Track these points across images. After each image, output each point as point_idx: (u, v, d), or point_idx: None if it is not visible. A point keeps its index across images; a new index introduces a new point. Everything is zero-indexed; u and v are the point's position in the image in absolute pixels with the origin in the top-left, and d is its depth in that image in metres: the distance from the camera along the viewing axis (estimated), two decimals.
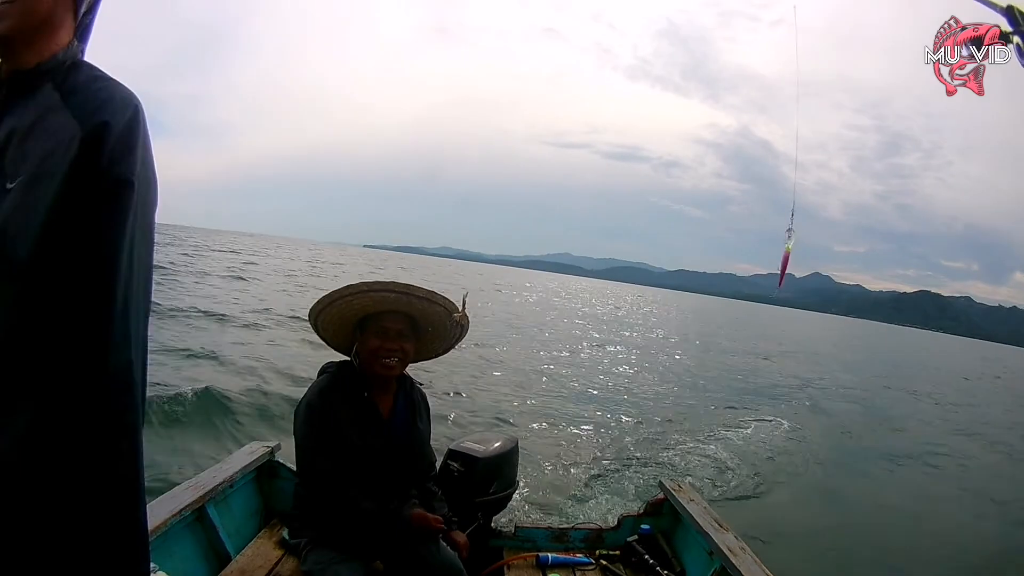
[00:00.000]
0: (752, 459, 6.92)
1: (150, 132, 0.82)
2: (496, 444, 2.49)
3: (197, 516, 2.10)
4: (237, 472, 2.32)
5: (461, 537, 2.02)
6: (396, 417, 1.91)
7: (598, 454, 6.35)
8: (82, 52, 0.89)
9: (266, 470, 2.53)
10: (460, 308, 1.90)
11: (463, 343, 2.07)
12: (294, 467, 2.28)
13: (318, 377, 1.92)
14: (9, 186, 0.75)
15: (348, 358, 1.95)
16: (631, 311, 43.71)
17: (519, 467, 2.67)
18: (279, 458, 2.57)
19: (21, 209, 0.73)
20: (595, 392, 9.86)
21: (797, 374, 16.70)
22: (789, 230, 2.30)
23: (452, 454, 2.40)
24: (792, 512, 5.57)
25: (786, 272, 2.31)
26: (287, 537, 2.13)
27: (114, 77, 0.85)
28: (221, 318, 11.06)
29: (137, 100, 0.82)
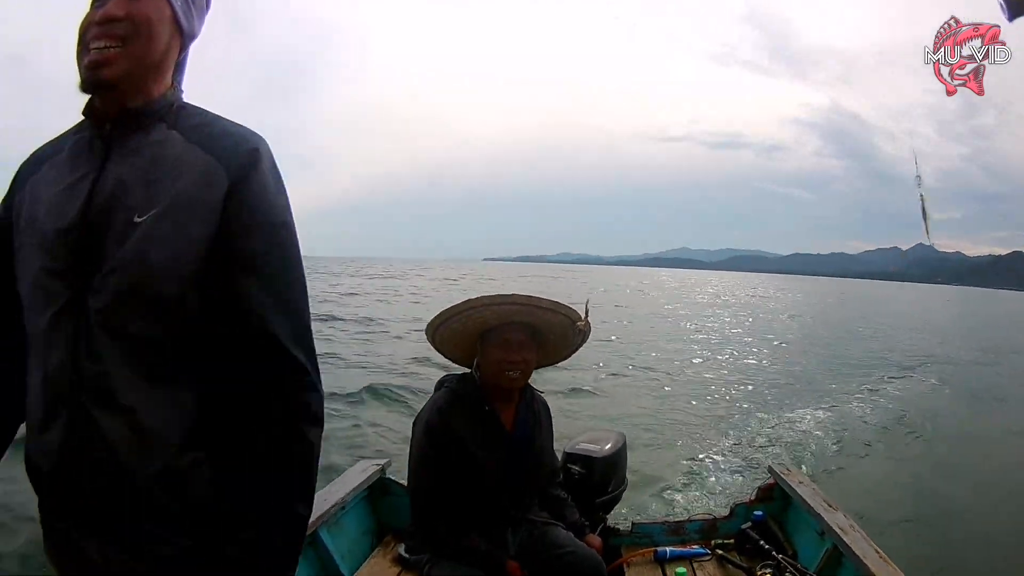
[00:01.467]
0: (861, 436, 6.83)
1: None
2: (609, 442, 2.48)
3: (310, 541, 2.07)
4: (349, 493, 2.30)
5: (596, 540, 2.01)
6: (519, 428, 1.90)
7: (708, 442, 6.31)
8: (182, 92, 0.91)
9: (378, 488, 2.51)
10: (583, 316, 1.89)
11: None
12: (405, 483, 2.25)
13: (436, 391, 1.91)
14: (138, 219, 0.77)
15: (467, 370, 1.94)
16: (741, 300, 42.82)
17: (628, 462, 2.67)
18: (390, 475, 2.56)
19: (160, 240, 0.77)
20: (697, 383, 9.79)
21: (893, 347, 16.17)
22: (917, 177, 2.13)
23: (570, 457, 2.38)
24: (900, 489, 5.46)
25: (927, 220, 2.14)
26: (404, 553, 2.09)
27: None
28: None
29: (260, 136, 0.86)
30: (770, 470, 2.83)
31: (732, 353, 13.85)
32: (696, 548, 2.46)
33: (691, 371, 11.22)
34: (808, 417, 7.49)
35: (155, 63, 0.84)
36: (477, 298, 1.81)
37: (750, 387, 9.69)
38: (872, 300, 53.55)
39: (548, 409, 2.04)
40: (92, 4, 0.83)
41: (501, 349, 1.82)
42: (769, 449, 6.15)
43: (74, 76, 0.82)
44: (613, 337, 14.06)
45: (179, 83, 0.90)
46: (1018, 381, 12.66)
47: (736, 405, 8.26)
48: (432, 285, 35.96)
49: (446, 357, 1.98)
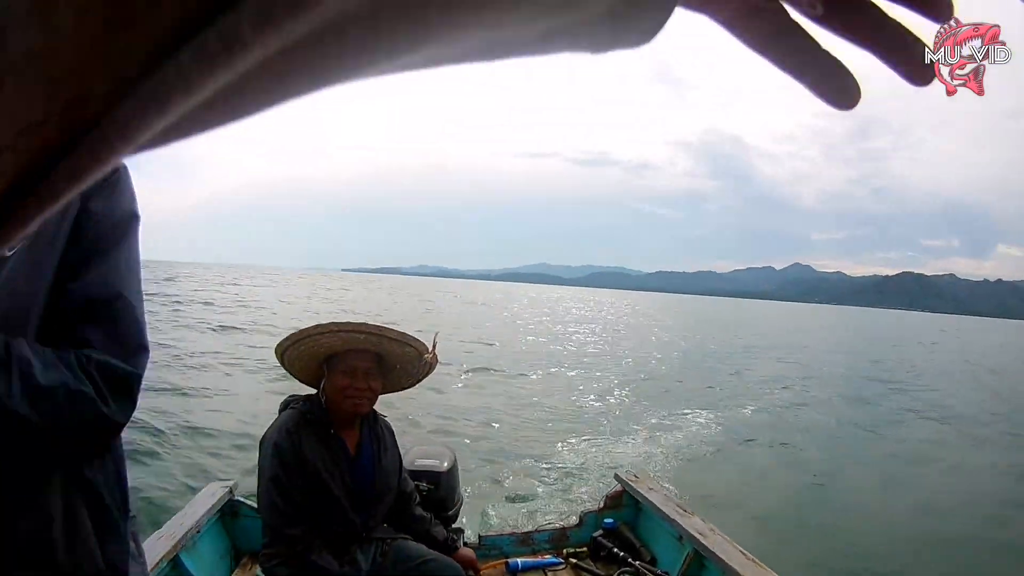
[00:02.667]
0: (713, 446, 7.13)
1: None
2: (445, 456, 2.48)
3: (173, 566, 2.09)
4: (203, 516, 2.30)
5: (469, 552, 2.06)
6: (363, 452, 1.92)
7: (549, 452, 6.31)
8: None
9: (228, 510, 2.51)
10: (431, 348, 1.90)
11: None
12: (254, 503, 2.29)
13: (282, 411, 1.90)
14: (9, 252, 0.73)
15: (314, 391, 1.94)
16: (594, 316, 43.45)
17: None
18: (239, 496, 2.55)
19: (22, 273, 0.73)
20: (533, 394, 9.79)
21: (747, 365, 16.64)
22: None
23: (414, 474, 2.37)
24: (754, 495, 5.72)
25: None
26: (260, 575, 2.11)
27: None
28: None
29: None
30: (616, 477, 2.84)
31: (572, 366, 13.94)
32: (549, 558, 2.49)
33: (529, 381, 11.24)
34: (653, 429, 7.65)
35: None
36: (327, 323, 1.80)
37: (590, 400, 9.68)
38: (736, 320, 53.45)
39: (392, 432, 2.06)
40: None
41: (346, 376, 1.83)
42: (616, 458, 6.18)
43: None
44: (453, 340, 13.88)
45: None
46: (886, 387, 14.15)
47: (577, 416, 8.27)
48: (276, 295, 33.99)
49: (294, 377, 1.96)
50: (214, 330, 14.88)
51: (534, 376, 11.96)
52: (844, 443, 8.19)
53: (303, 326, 1.83)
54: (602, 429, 7.54)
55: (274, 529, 1.78)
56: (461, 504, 2.50)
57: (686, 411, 9.04)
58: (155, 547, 2.03)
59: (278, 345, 1.87)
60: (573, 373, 12.85)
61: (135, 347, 0.80)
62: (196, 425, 6.22)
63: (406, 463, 2.37)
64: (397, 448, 2.05)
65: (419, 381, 2.02)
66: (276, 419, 1.88)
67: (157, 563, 1.95)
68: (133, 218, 0.84)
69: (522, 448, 6.46)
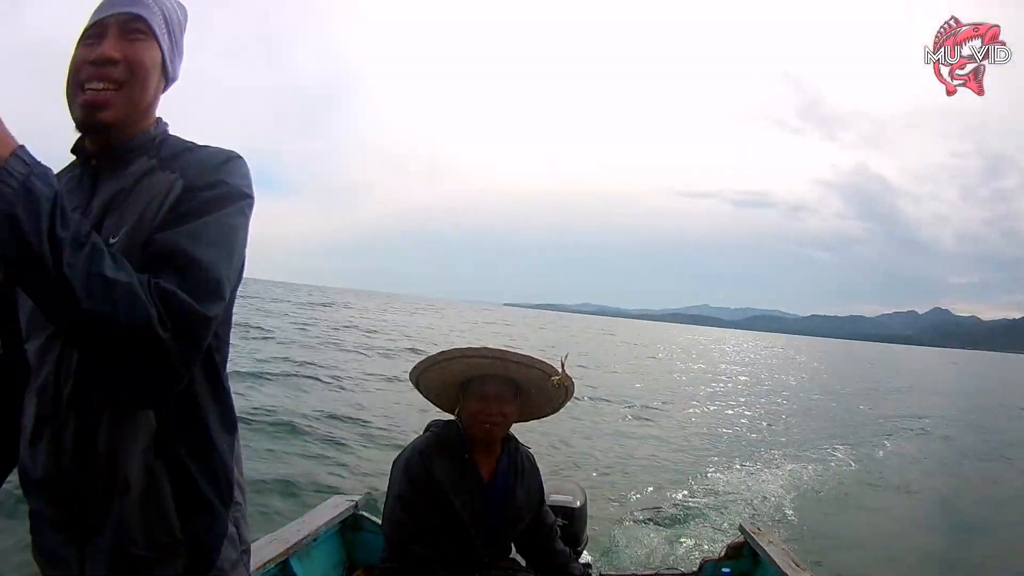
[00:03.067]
0: (837, 493, 6.76)
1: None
2: (577, 493, 2.49)
3: (281, 569, 2.12)
4: (321, 526, 2.36)
5: None
6: (498, 479, 1.91)
7: (679, 493, 6.20)
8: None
9: (350, 523, 2.56)
10: (560, 370, 1.87)
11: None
12: (378, 519, 2.32)
13: (423, 434, 1.95)
14: (112, 240, 0.80)
15: (454, 417, 1.97)
16: (753, 359, 41.77)
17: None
18: (363, 511, 2.60)
19: (134, 255, 0.77)
20: (683, 433, 9.64)
21: (893, 411, 15.80)
22: None
23: (551, 509, 2.35)
24: (886, 544, 5.43)
25: None
26: None
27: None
28: None
29: (236, 153, 0.89)
30: (741, 529, 2.88)
31: (725, 407, 13.71)
32: None
33: (678, 421, 11.13)
34: (789, 474, 7.44)
35: (146, 106, 0.89)
36: (451, 349, 1.86)
37: (733, 440, 9.57)
38: (880, 363, 54.37)
39: (533, 462, 2.03)
40: (83, 40, 0.86)
41: (479, 401, 1.85)
42: (742, 504, 6.06)
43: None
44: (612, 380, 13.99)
45: (161, 119, 0.94)
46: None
47: (714, 459, 8.07)
48: (466, 327, 35.94)
49: (432, 403, 2.01)
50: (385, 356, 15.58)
51: (673, 414, 11.81)
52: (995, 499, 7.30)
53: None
54: (737, 471, 7.36)
55: (396, 545, 1.81)
56: (587, 543, 2.51)
57: (833, 457, 8.66)
58: (264, 549, 2.07)
59: (411, 372, 1.93)
60: (713, 409, 12.72)
61: (208, 293, 0.77)
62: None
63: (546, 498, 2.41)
64: (538, 479, 2.02)
65: (559, 408, 2.01)
66: (413, 440, 1.94)
67: (264, 564, 1.99)
68: (239, 196, 0.85)
69: (647, 486, 6.40)
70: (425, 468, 1.80)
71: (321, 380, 10.57)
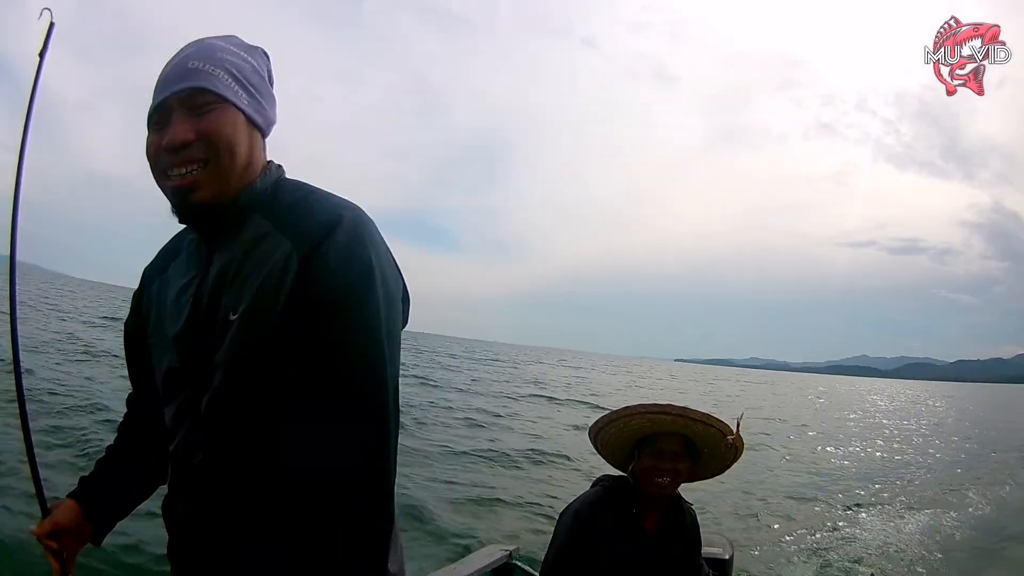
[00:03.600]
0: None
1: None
2: (726, 546, 2.50)
3: None
4: (475, 571, 2.39)
5: None
6: (661, 536, 1.92)
7: (812, 541, 6.04)
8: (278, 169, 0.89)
9: (504, 572, 2.58)
10: (735, 430, 1.89)
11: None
12: (533, 571, 2.40)
13: (591, 488, 1.97)
14: (233, 317, 0.78)
15: (623, 474, 1.99)
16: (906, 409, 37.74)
17: None
18: (517, 560, 2.61)
19: (248, 336, 0.76)
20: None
21: None
22: None
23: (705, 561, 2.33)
24: None
25: None
26: None
27: (323, 188, 0.85)
28: None
29: (351, 206, 0.80)
30: None
31: (883, 457, 13.06)
32: None
33: (826, 469, 10.76)
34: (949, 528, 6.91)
35: (242, 168, 0.82)
36: (634, 405, 1.88)
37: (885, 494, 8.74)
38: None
39: (695, 519, 2.04)
40: (151, 126, 0.81)
41: (654, 457, 1.86)
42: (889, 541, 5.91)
43: None
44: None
45: (272, 163, 0.88)
46: None
47: (856, 506, 7.80)
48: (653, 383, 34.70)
49: (605, 460, 2.04)
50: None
51: (820, 465, 11.31)
52: None
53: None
54: (876, 518, 7.17)
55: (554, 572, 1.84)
56: None
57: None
58: None
59: (591, 427, 1.96)
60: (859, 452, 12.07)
61: (373, 450, 0.74)
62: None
63: None
64: (697, 534, 2.04)
65: (728, 467, 2.00)
66: (582, 493, 1.96)
67: None
68: (374, 272, 0.77)
69: (784, 535, 6.35)
70: (591, 518, 1.84)
71: None
